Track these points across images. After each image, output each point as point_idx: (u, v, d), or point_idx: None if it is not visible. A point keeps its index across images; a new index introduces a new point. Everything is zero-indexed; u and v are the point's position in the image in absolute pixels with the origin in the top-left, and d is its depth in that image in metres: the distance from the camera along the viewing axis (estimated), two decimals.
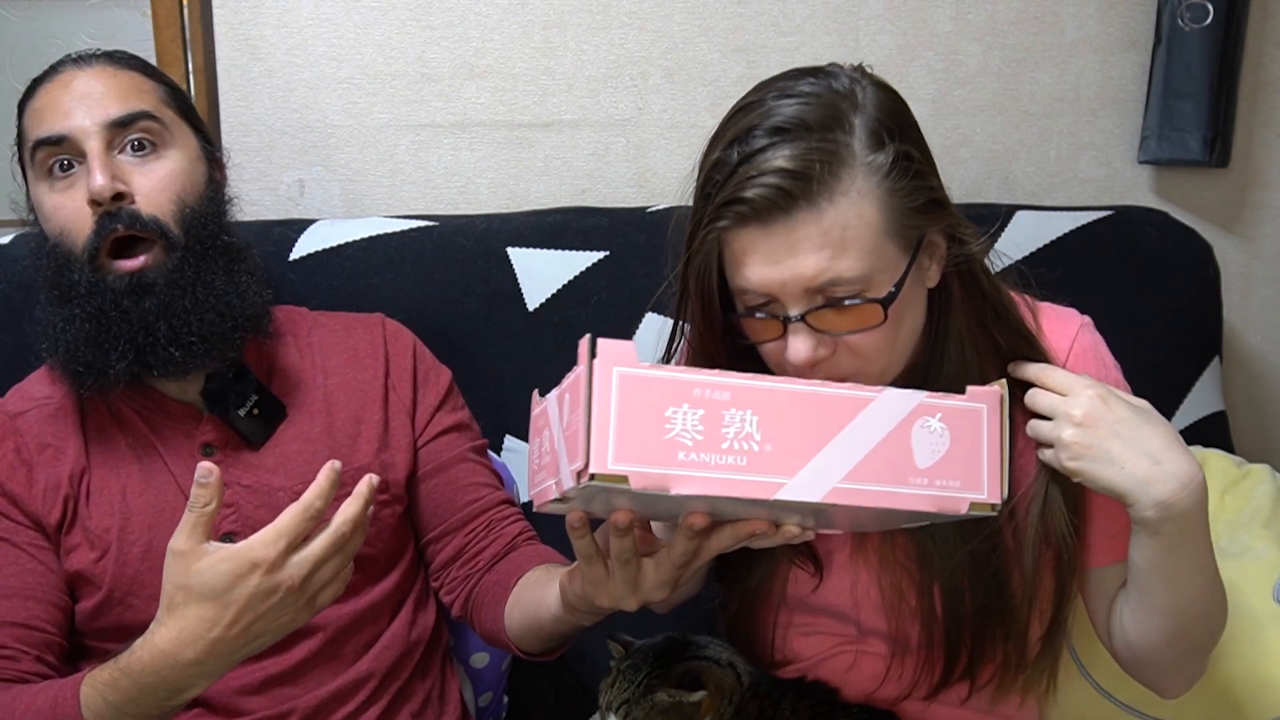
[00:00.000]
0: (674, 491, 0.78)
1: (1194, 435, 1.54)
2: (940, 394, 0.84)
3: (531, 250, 1.49)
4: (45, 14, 1.61)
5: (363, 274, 1.44)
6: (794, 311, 0.92)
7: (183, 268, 1.11)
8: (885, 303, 0.92)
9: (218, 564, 0.89)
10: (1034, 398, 0.97)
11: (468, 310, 1.46)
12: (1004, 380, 0.83)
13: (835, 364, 0.94)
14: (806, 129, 0.89)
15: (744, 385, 0.81)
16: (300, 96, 1.59)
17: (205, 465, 0.90)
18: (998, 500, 0.83)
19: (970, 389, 0.84)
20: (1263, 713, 1.20)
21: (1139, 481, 0.92)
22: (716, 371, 0.80)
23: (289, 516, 0.90)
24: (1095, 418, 0.93)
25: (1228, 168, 1.72)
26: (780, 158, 0.89)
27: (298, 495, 1.11)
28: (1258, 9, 1.67)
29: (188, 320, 1.10)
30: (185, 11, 1.56)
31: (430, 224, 1.50)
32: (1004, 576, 1.04)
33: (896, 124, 0.93)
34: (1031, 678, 1.08)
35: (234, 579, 0.89)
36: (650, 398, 0.78)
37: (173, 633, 0.91)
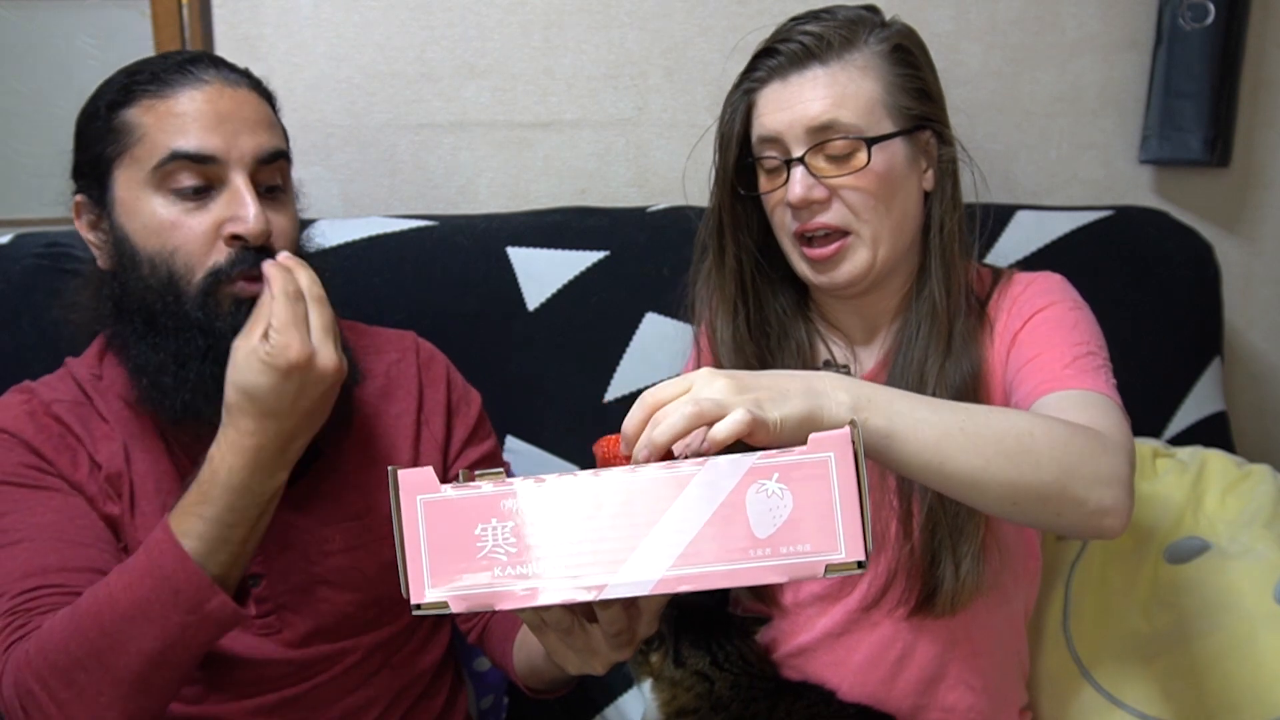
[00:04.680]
0: (499, 607, 0.77)
1: (1194, 435, 1.54)
2: (776, 452, 0.75)
3: (531, 250, 1.49)
4: (45, 14, 1.61)
5: (363, 274, 1.44)
6: (796, 152, 1.12)
7: None
8: (870, 142, 1.10)
9: (263, 372, 0.95)
10: (680, 409, 0.81)
11: (468, 310, 1.46)
12: (854, 420, 0.76)
13: (829, 210, 1.13)
14: (834, 18, 1.14)
15: (552, 489, 0.77)
16: (300, 96, 1.59)
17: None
18: (860, 557, 0.74)
19: (814, 437, 0.75)
20: (1263, 713, 1.19)
21: (809, 393, 0.85)
22: (521, 479, 0.77)
23: (281, 306, 0.96)
24: (733, 384, 0.83)
25: (1228, 167, 1.72)
26: (807, 27, 1.13)
27: (325, 537, 1.12)
28: (1258, 9, 1.67)
29: None
30: (185, 11, 1.56)
31: (430, 224, 1.50)
32: None
33: (908, 39, 1.16)
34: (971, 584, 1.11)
35: (273, 389, 0.95)
36: (457, 519, 0.77)
37: (238, 436, 0.96)
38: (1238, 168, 1.73)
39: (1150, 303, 1.54)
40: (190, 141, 1.02)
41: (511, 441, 1.48)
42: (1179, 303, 1.56)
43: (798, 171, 1.11)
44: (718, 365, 1.19)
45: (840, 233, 1.13)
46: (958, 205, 1.17)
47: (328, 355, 0.97)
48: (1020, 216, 1.55)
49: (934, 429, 0.88)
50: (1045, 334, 1.11)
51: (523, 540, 0.76)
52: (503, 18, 1.61)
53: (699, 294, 1.25)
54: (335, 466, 1.14)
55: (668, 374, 1.47)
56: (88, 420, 1.10)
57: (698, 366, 1.25)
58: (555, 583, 0.76)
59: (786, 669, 1.20)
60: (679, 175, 1.66)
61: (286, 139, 1.12)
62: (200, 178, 1.03)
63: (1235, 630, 1.23)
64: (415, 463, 1.19)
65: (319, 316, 0.98)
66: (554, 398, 1.48)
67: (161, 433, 1.10)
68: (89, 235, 1.09)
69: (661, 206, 1.57)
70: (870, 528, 0.75)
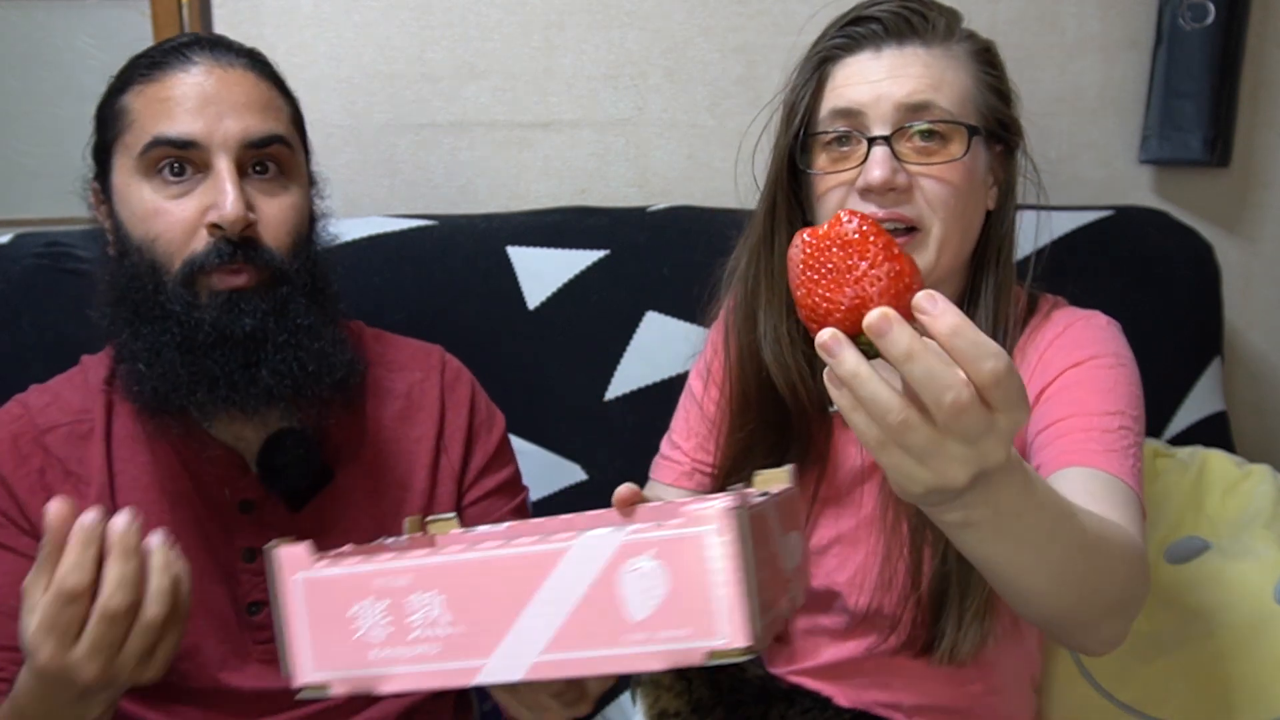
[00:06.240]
0: (380, 691, 0.74)
1: (1195, 435, 1.54)
2: (649, 526, 0.69)
3: (531, 250, 1.49)
4: (45, 14, 1.61)
5: (363, 274, 1.44)
6: (877, 131, 1.01)
7: (287, 305, 1.01)
8: (971, 130, 1.01)
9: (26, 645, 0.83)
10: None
11: (468, 310, 1.46)
12: (741, 485, 0.69)
13: (906, 201, 1.01)
14: (930, 7, 1.05)
15: (424, 565, 0.74)
16: (300, 96, 1.58)
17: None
18: (745, 642, 0.66)
19: (688, 509, 0.67)
20: (1263, 713, 1.19)
21: (977, 478, 0.67)
22: (394, 555, 0.75)
23: (47, 604, 0.81)
24: (1005, 418, 0.64)
25: (1228, 167, 1.72)
26: (910, 3, 1.04)
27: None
28: (1258, 9, 1.67)
29: (285, 356, 0.99)
30: (185, 11, 1.57)
31: (430, 224, 1.50)
32: None
33: (993, 47, 1.10)
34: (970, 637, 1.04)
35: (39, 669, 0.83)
36: (334, 598, 0.75)
37: (32, 681, 0.86)
38: (1238, 168, 1.72)
39: (1150, 303, 1.54)
40: (172, 126, 0.98)
41: (512, 441, 1.47)
42: (1179, 303, 1.56)
43: (879, 151, 1.00)
44: (738, 361, 1.12)
45: (909, 228, 1.02)
46: (1015, 229, 1.10)
47: (88, 672, 0.82)
48: (1020, 216, 1.55)
49: (1031, 572, 0.77)
50: (1079, 394, 1.01)
51: (398, 621, 0.74)
52: (503, 18, 1.61)
53: (737, 274, 1.14)
54: (346, 493, 1.09)
55: (668, 373, 1.47)
56: (89, 442, 1.06)
57: (721, 347, 1.17)
58: (430, 667, 0.73)
59: (786, 682, 1.19)
60: (679, 175, 1.66)
61: (294, 121, 1.07)
62: (183, 163, 0.99)
63: (1235, 630, 1.23)
64: (431, 490, 1.14)
65: (101, 630, 0.82)
66: (554, 397, 1.48)
67: (152, 441, 1.05)
68: (103, 222, 1.06)
69: (661, 206, 1.57)
70: (758, 609, 0.67)
